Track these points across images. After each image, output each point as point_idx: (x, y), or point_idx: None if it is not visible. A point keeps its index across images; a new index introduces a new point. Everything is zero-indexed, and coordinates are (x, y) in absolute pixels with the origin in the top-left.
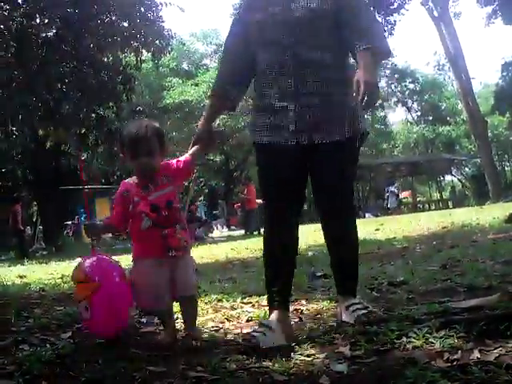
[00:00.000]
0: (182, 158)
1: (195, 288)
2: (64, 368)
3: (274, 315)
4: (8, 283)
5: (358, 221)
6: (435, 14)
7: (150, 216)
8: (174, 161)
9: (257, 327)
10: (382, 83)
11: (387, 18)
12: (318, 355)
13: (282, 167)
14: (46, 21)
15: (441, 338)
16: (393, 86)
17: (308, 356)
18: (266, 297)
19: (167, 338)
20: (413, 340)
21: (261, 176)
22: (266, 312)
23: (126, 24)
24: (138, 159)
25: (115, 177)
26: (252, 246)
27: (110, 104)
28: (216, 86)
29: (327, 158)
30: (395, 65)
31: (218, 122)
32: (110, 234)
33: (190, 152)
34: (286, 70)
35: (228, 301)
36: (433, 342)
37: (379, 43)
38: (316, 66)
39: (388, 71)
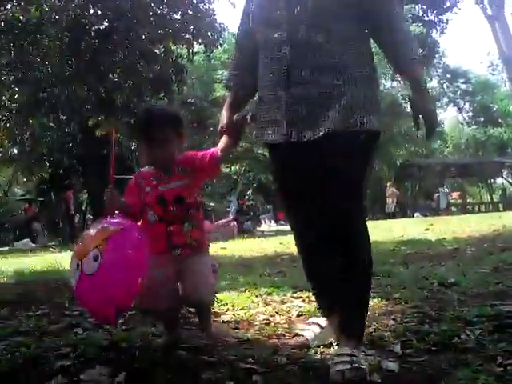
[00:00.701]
0: (209, 151)
1: (205, 292)
2: (117, 353)
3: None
4: (61, 269)
5: (406, 220)
6: (489, 12)
7: (155, 209)
8: (200, 153)
9: (306, 325)
10: (434, 83)
11: (440, 17)
12: (368, 352)
13: (288, 171)
14: (99, 12)
15: (493, 341)
16: (444, 86)
17: None
18: None
19: (162, 342)
20: (465, 341)
21: (273, 175)
22: (315, 307)
23: (177, 16)
24: (150, 147)
25: None
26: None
27: (161, 95)
28: (231, 73)
29: (320, 156)
30: (447, 65)
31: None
32: None
33: (218, 146)
34: (281, 54)
35: (278, 294)
36: (485, 345)
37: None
38: (316, 50)
39: (440, 71)
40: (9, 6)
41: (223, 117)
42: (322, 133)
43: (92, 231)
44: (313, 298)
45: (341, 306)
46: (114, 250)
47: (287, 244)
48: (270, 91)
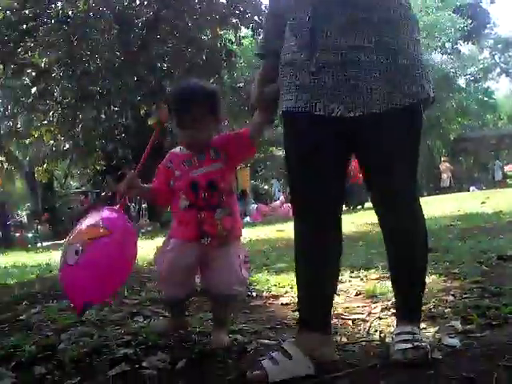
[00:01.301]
0: (242, 131)
1: (234, 284)
2: (178, 339)
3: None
4: None
5: (462, 194)
6: None
7: (186, 195)
8: (233, 133)
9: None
10: (485, 54)
11: None
12: (429, 329)
13: (309, 144)
14: (146, 2)
15: None
16: (496, 57)
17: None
18: (373, 271)
19: (166, 327)
20: None
21: (285, 157)
22: (374, 286)
23: (224, 1)
24: (183, 127)
25: None
26: (356, 221)
27: (211, 80)
28: (264, 40)
29: (370, 134)
30: (499, 35)
31: None
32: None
33: (251, 123)
34: (303, 14)
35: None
36: None
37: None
38: (342, 5)
39: (491, 41)
40: (59, 3)
41: (254, 90)
42: (358, 113)
43: (86, 222)
44: (371, 277)
45: (398, 283)
46: (94, 252)
47: (343, 226)
48: (293, 56)
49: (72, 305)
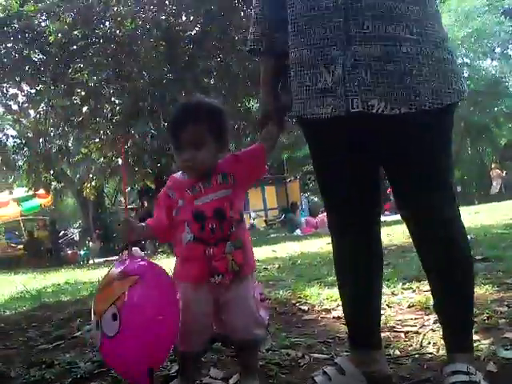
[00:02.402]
0: (251, 148)
1: (253, 328)
2: (230, 355)
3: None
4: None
5: None
6: None
7: (190, 227)
8: (241, 153)
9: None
10: None
11: None
12: (483, 341)
13: (335, 150)
14: (191, 18)
15: None
16: None
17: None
18: (426, 282)
19: None
20: None
21: (313, 165)
22: (427, 297)
23: None
24: (180, 148)
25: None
26: (407, 230)
27: (257, 91)
28: (257, 34)
29: (402, 134)
30: None
31: None
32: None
33: (260, 138)
34: (331, 2)
35: (388, 287)
36: None
37: None
38: None
39: None
40: (107, 23)
41: (263, 101)
42: (404, 110)
43: (109, 281)
44: (424, 288)
45: (441, 308)
46: (132, 305)
47: (394, 235)
48: (318, 52)
49: (133, 380)
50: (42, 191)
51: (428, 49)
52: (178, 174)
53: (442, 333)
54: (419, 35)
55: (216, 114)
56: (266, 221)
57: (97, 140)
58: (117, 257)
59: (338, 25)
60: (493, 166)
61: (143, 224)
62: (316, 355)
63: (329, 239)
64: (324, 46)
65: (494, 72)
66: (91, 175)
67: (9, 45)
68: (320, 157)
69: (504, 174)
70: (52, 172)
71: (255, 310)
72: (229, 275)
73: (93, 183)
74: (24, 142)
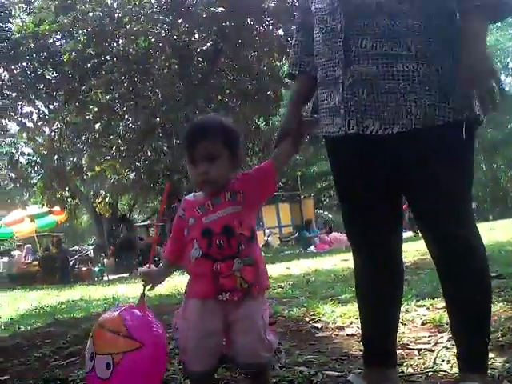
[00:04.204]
0: (261, 166)
1: (261, 352)
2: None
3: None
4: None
5: None
6: None
7: (199, 243)
8: (252, 171)
9: None
10: None
11: None
12: (497, 359)
13: (350, 168)
14: (204, 35)
15: None
16: None
17: None
18: (439, 299)
19: None
20: None
21: (334, 180)
22: (441, 315)
23: (281, 32)
24: (194, 162)
25: (280, 183)
26: (422, 248)
27: (269, 109)
28: (294, 59)
29: (411, 153)
30: None
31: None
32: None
33: (273, 155)
34: (335, 23)
35: (402, 304)
36: None
37: None
38: (376, 11)
39: None
40: (120, 41)
41: (287, 117)
42: (396, 129)
43: (112, 327)
44: (437, 306)
45: (456, 328)
46: (125, 369)
47: (408, 252)
48: (327, 71)
49: None
50: (56, 208)
51: (425, 65)
52: (190, 196)
53: (456, 351)
54: (417, 51)
55: (230, 130)
56: (280, 238)
57: (109, 157)
58: (131, 273)
59: (340, 45)
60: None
61: (161, 265)
62: (329, 372)
63: (343, 256)
64: (331, 66)
65: (507, 88)
66: (104, 192)
67: (24, 64)
68: (338, 174)
69: None
70: (67, 189)
71: (262, 333)
72: (237, 293)
73: (106, 200)
74: (39, 159)
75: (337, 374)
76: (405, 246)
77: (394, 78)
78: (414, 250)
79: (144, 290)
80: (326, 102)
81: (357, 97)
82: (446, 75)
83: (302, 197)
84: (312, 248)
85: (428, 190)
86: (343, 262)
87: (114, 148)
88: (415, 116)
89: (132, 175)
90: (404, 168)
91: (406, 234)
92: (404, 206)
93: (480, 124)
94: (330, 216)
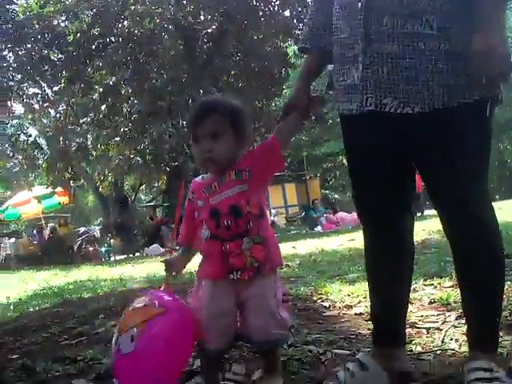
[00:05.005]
0: (266, 142)
1: (273, 330)
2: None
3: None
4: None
5: None
6: None
7: (208, 225)
8: (257, 148)
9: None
10: None
11: None
12: (505, 337)
13: (365, 146)
14: (209, 17)
15: None
16: None
17: None
18: (447, 278)
19: None
20: None
21: (346, 159)
22: (448, 294)
23: (287, 13)
24: (198, 140)
25: (285, 163)
26: (429, 227)
27: (274, 91)
28: (307, 33)
29: (430, 133)
30: None
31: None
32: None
33: (276, 129)
34: (355, 0)
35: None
36: None
37: None
38: None
39: None
40: (125, 22)
41: (295, 90)
42: (416, 109)
43: (137, 305)
44: (445, 285)
45: (468, 306)
46: (151, 334)
47: (415, 231)
48: (346, 48)
49: None
50: (60, 189)
51: (447, 44)
52: (199, 178)
53: (465, 329)
54: (439, 30)
55: (235, 108)
56: (286, 218)
57: (116, 138)
58: (137, 254)
59: (359, 22)
60: None
61: (179, 252)
62: (338, 351)
63: (349, 236)
64: (350, 44)
65: None
66: (107, 171)
67: (28, 45)
68: (351, 151)
69: None
70: (71, 170)
71: (275, 310)
72: (248, 272)
73: (109, 179)
74: (44, 140)
75: (346, 352)
76: None
77: (415, 57)
78: (421, 229)
79: (167, 278)
80: (342, 79)
81: (376, 75)
82: (465, 56)
83: (308, 177)
84: (319, 228)
85: (445, 169)
86: (350, 241)
87: (119, 129)
88: (437, 96)
89: (137, 156)
90: (421, 147)
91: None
92: (418, 186)
93: (500, 103)
94: (336, 196)
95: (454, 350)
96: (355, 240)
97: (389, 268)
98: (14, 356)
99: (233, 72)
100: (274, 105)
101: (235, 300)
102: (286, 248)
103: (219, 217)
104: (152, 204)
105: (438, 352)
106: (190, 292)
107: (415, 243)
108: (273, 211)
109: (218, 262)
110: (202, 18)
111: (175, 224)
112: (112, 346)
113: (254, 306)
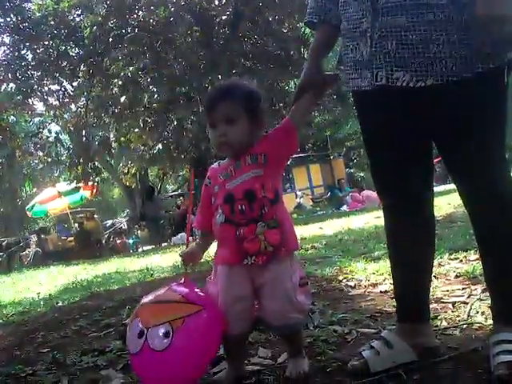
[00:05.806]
0: (280, 126)
1: (290, 314)
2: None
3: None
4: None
5: None
6: None
7: (222, 209)
8: (271, 132)
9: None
10: None
11: None
12: None
13: (381, 123)
14: (224, 1)
15: None
16: None
17: None
18: (472, 252)
19: (226, 380)
20: None
21: (362, 137)
22: (474, 267)
23: None
24: (214, 125)
25: (309, 144)
26: (454, 201)
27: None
28: (314, 7)
29: (443, 105)
30: None
31: None
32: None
33: (291, 112)
34: None
35: (435, 258)
36: None
37: None
38: None
39: None
40: (140, 12)
41: (307, 68)
42: (430, 82)
43: (167, 298)
44: (471, 258)
45: (490, 277)
46: (188, 333)
47: (440, 206)
48: (354, 23)
49: None
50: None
51: (458, 13)
52: (215, 164)
53: (490, 303)
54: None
55: (250, 93)
56: (312, 199)
57: (136, 129)
58: (165, 244)
59: None
60: None
61: (197, 240)
62: (363, 330)
63: (375, 214)
64: (358, 18)
65: None
66: (130, 163)
67: (46, 42)
68: (366, 129)
69: None
70: (94, 164)
71: (292, 294)
72: (262, 256)
73: (132, 171)
74: (66, 135)
75: (371, 331)
76: (436, 200)
77: (425, 29)
78: (446, 203)
79: (186, 269)
80: (351, 54)
81: (386, 49)
82: (478, 24)
83: (332, 157)
84: (345, 207)
85: (462, 141)
86: (376, 219)
87: (140, 120)
88: (450, 67)
89: (159, 146)
90: (437, 119)
91: (438, 189)
92: (435, 160)
93: None
94: (362, 174)
95: (480, 323)
96: (381, 217)
97: (410, 245)
98: (45, 350)
99: (250, 55)
100: (292, 85)
101: (252, 285)
102: (312, 229)
103: (234, 201)
104: (178, 193)
105: (464, 326)
106: (208, 280)
107: (440, 217)
108: (298, 193)
109: (233, 247)
110: (217, 2)
111: (189, 212)
112: (130, 337)
113: (271, 291)
